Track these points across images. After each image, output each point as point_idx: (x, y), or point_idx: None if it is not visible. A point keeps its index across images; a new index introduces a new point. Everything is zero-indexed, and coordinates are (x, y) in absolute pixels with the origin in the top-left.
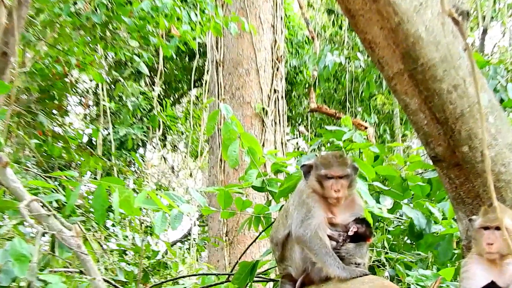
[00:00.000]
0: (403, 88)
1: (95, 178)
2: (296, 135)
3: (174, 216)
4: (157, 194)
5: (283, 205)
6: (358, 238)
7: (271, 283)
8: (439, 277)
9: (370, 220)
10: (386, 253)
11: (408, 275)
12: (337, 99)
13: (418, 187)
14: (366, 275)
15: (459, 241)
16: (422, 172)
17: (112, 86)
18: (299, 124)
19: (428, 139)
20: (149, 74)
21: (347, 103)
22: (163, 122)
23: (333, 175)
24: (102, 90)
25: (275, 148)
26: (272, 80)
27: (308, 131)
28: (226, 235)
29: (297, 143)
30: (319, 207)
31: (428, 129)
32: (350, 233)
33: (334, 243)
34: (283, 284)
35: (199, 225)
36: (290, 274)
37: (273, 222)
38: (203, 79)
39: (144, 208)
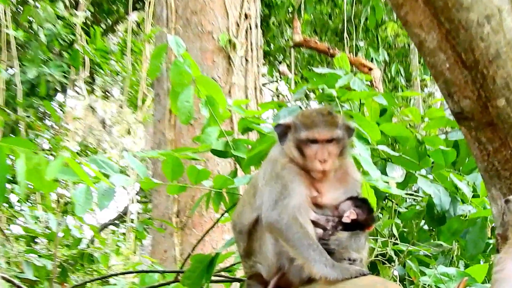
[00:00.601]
0: (417, 19)
1: None
2: (276, 77)
3: (102, 192)
4: (79, 161)
5: (252, 177)
6: (353, 225)
7: (237, 284)
8: (465, 277)
9: (373, 200)
10: (395, 244)
11: (423, 274)
12: (331, 28)
13: (440, 153)
14: (364, 275)
15: (494, 228)
16: (446, 132)
17: (19, 8)
18: (280, 63)
19: (451, 89)
20: None
21: (345, 35)
22: (90, 59)
23: (318, 138)
24: (5, 14)
25: (246, 97)
26: (243, 1)
27: (291, 72)
28: (177, 216)
29: (276, 89)
30: (298, 182)
31: (451, 76)
32: (345, 220)
33: (320, 231)
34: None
35: (139, 202)
36: (259, 273)
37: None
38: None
39: (63, 180)
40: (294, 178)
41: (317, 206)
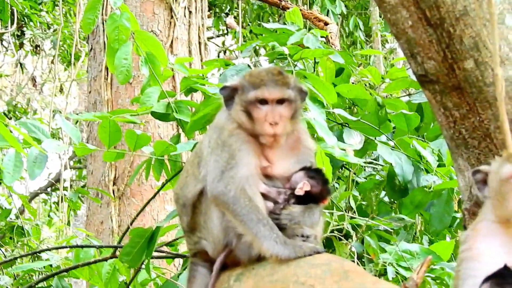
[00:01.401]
0: None
1: None
2: (222, 31)
3: (33, 159)
4: (7, 124)
5: (197, 143)
6: (307, 199)
7: (180, 260)
8: (429, 256)
9: (328, 169)
10: (352, 218)
11: (383, 251)
12: None
13: (402, 117)
14: (319, 252)
15: (460, 201)
16: (409, 95)
17: None
18: (227, 15)
19: (414, 49)
20: None
21: None
22: (18, 10)
23: (268, 98)
24: None
25: (189, 53)
26: None
27: (239, 25)
28: (114, 184)
29: (223, 44)
30: (247, 151)
31: (414, 35)
32: (298, 192)
33: (271, 204)
34: (194, 266)
35: (73, 168)
36: (204, 250)
37: (181, 171)
38: None
39: None
40: (242, 146)
41: (267, 177)
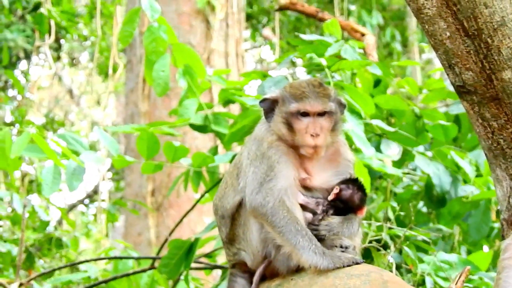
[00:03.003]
0: None
1: None
2: (259, 42)
3: (71, 171)
4: (46, 136)
5: (236, 155)
6: (345, 209)
7: (218, 272)
8: (467, 266)
9: (366, 180)
10: (390, 228)
11: (422, 261)
12: None
13: (439, 127)
14: (358, 263)
15: (498, 212)
16: (447, 105)
17: None
18: (263, 27)
19: (452, 60)
20: None
21: None
22: (56, 22)
23: (310, 110)
24: None
25: (227, 64)
26: None
27: (276, 37)
28: (152, 196)
29: (260, 55)
30: (286, 163)
31: (452, 46)
32: (330, 197)
33: (310, 215)
34: (233, 277)
35: (111, 180)
36: (243, 261)
37: (220, 181)
38: None
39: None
40: (281, 158)
41: (307, 188)
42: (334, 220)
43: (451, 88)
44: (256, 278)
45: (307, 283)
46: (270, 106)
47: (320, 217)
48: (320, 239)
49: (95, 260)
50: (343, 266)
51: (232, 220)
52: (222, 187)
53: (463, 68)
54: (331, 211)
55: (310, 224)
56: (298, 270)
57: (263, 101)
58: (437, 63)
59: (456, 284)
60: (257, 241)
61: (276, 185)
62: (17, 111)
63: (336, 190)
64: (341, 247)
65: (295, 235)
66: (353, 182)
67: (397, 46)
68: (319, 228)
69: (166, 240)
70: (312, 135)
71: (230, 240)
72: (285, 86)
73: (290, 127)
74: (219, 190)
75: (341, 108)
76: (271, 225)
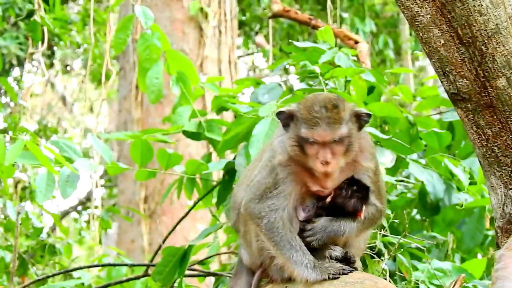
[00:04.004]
0: None
1: None
2: (252, 49)
3: (65, 178)
4: (39, 143)
5: (230, 162)
6: (335, 210)
7: (212, 279)
8: (461, 275)
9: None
10: (384, 236)
11: (416, 269)
12: None
13: (433, 135)
14: (345, 273)
15: (492, 219)
16: (440, 113)
17: None
18: (256, 34)
19: (446, 67)
20: None
21: (329, 3)
22: (48, 30)
23: (319, 140)
24: None
25: (219, 71)
26: None
27: (269, 44)
28: (145, 203)
29: (252, 62)
30: (292, 183)
31: (446, 53)
32: (328, 200)
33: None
34: (240, 268)
35: (103, 187)
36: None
37: (216, 186)
38: None
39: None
40: (287, 178)
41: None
42: (318, 222)
43: (445, 96)
44: (254, 282)
45: None
46: (287, 118)
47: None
48: (313, 249)
49: (89, 267)
50: (330, 277)
51: (238, 215)
52: (242, 177)
53: (458, 75)
54: (324, 213)
55: (301, 231)
56: (292, 279)
57: (280, 113)
58: (431, 71)
59: None
60: (254, 247)
61: (275, 203)
62: (10, 118)
63: (331, 194)
64: (330, 257)
65: (289, 250)
66: (351, 185)
67: (390, 54)
68: (303, 235)
69: (159, 247)
70: (322, 163)
71: (236, 230)
72: (301, 101)
73: (302, 149)
74: (240, 179)
75: (360, 121)
76: (266, 238)
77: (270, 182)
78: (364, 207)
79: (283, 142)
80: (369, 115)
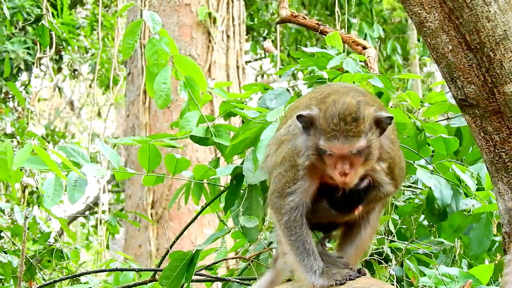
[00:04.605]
0: None
1: None
2: (260, 54)
3: (72, 182)
4: (46, 148)
5: (238, 167)
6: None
7: (219, 284)
8: (468, 280)
9: None
10: (392, 241)
11: (423, 275)
12: (321, 1)
13: (441, 141)
14: (352, 279)
15: (500, 225)
16: (448, 118)
17: None
18: (264, 39)
19: (454, 73)
20: None
21: (337, 8)
22: (56, 34)
23: (337, 154)
24: None
25: (227, 76)
26: None
27: (277, 49)
28: (152, 208)
29: (261, 67)
30: (310, 180)
31: (454, 59)
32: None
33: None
34: None
35: (111, 192)
36: None
37: (224, 191)
38: None
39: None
40: (306, 176)
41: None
42: None
43: (453, 101)
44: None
45: None
46: (307, 122)
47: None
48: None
49: (96, 272)
50: (337, 284)
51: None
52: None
53: (465, 81)
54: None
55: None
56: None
57: (300, 117)
58: (438, 76)
59: None
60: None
61: (294, 200)
62: (17, 122)
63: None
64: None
65: (302, 252)
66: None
67: (398, 59)
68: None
69: (167, 252)
70: (340, 174)
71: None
72: (323, 105)
73: (321, 157)
74: (268, 149)
75: (382, 126)
76: (283, 233)
77: (291, 176)
78: (360, 206)
79: (306, 145)
80: (390, 118)
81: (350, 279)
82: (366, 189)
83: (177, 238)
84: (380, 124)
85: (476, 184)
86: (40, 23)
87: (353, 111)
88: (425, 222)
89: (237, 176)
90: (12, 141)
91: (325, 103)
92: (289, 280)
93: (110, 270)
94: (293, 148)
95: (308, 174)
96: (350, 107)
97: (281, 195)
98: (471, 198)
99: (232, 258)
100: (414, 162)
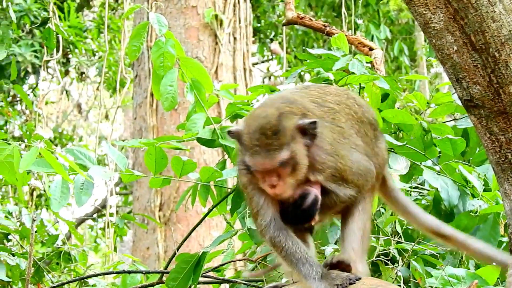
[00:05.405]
0: None
1: None
2: (267, 56)
3: (80, 185)
4: (53, 151)
5: None
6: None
7: (226, 286)
8: (475, 280)
9: None
10: (398, 242)
11: (430, 276)
12: (328, 2)
13: (447, 142)
14: (352, 283)
15: (506, 226)
16: (455, 119)
17: None
18: (271, 41)
19: (459, 74)
20: None
21: (343, 10)
22: (63, 38)
23: (259, 169)
24: None
25: (234, 78)
26: None
27: (284, 51)
28: (160, 210)
29: (267, 69)
30: (262, 194)
31: (459, 60)
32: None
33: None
34: None
35: (119, 194)
36: None
37: (231, 193)
38: None
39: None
40: (256, 191)
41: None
42: None
43: (459, 102)
44: None
45: None
46: (236, 138)
47: None
48: None
49: (104, 274)
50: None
51: None
52: None
53: (471, 82)
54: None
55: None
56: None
57: (229, 133)
58: (446, 77)
59: None
60: None
61: (263, 218)
62: (25, 125)
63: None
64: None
65: (296, 263)
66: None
67: (405, 60)
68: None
69: (174, 254)
70: (270, 186)
71: None
72: (248, 120)
73: (251, 172)
74: None
75: (311, 128)
76: (273, 251)
77: (249, 196)
78: (316, 216)
79: (241, 162)
80: (313, 123)
81: (350, 283)
82: (314, 200)
83: (184, 240)
84: (308, 132)
85: (483, 185)
86: (46, 26)
87: (273, 124)
88: None
89: None
90: (19, 144)
91: (251, 117)
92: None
93: (117, 272)
94: (238, 166)
95: (259, 190)
96: (271, 120)
97: (254, 217)
98: (478, 199)
99: (240, 260)
100: (420, 163)
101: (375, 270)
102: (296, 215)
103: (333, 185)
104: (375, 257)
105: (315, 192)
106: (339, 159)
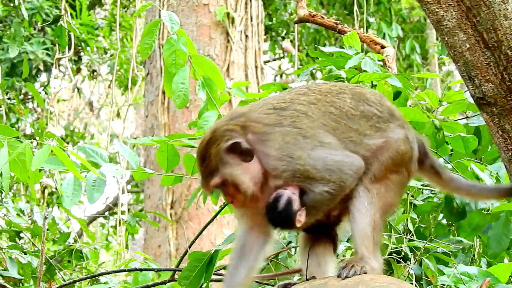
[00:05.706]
0: None
1: None
2: (278, 54)
3: (91, 183)
4: (65, 149)
5: None
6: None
7: None
8: (487, 278)
9: None
10: (410, 240)
11: (442, 273)
12: (340, 0)
13: (459, 140)
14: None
15: None
16: (467, 117)
17: None
18: (283, 39)
19: (472, 72)
20: None
21: (355, 8)
22: (75, 35)
23: (206, 191)
24: None
25: (246, 76)
26: None
27: (295, 49)
28: (172, 208)
29: (279, 67)
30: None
31: (472, 57)
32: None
33: None
34: None
35: (130, 192)
36: None
37: None
38: None
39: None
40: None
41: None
42: None
43: (471, 100)
44: None
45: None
46: None
47: None
48: None
49: (115, 272)
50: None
51: None
52: None
53: (483, 80)
54: None
55: None
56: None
57: None
58: (457, 75)
59: None
60: None
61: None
62: (37, 123)
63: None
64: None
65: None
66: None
67: (417, 58)
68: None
69: (186, 252)
70: (228, 201)
71: None
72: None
73: None
74: None
75: (242, 148)
76: None
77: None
78: (298, 215)
79: None
80: (234, 144)
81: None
82: (287, 201)
83: (196, 238)
84: (238, 151)
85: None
86: (58, 24)
87: (201, 152)
88: (444, 221)
89: None
90: (31, 142)
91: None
92: (309, 279)
93: (129, 270)
94: None
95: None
96: (200, 148)
97: None
98: None
99: None
100: None
101: (388, 268)
102: (274, 218)
103: (303, 185)
104: (387, 255)
105: (287, 193)
106: (294, 161)
